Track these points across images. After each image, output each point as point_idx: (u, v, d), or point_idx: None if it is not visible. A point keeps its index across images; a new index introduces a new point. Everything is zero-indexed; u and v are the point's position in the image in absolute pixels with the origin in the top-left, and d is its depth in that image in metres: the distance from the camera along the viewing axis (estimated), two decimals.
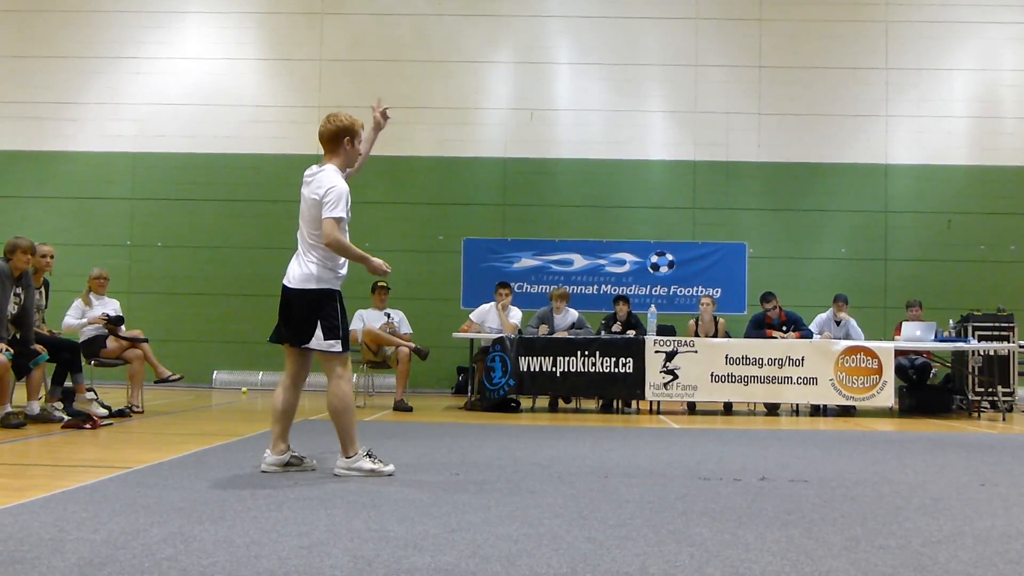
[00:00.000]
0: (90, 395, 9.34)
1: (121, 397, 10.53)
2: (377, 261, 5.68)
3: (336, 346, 5.60)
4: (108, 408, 9.43)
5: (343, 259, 5.68)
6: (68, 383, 9.33)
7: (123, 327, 10.64)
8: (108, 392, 10.97)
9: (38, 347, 8.80)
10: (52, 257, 9.64)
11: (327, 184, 5.58)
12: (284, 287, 5.70)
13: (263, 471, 5.71)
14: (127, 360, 10.43)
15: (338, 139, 5.79)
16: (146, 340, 10.64)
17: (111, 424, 8.84)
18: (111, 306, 10.82)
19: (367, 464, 5.62)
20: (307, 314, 5.59)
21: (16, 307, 8.69)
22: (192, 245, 16.32)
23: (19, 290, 8.72)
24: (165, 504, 4.49)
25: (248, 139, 16.35)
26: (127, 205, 16.42)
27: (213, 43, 16.60)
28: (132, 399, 10.23)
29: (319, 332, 5.57)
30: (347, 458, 5.64)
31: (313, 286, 5.59)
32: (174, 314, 16.00)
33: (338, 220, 5.50)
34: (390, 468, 5.68)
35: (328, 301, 5.60)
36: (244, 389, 15.23)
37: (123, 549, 3.51)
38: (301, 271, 5.63)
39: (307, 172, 5.82)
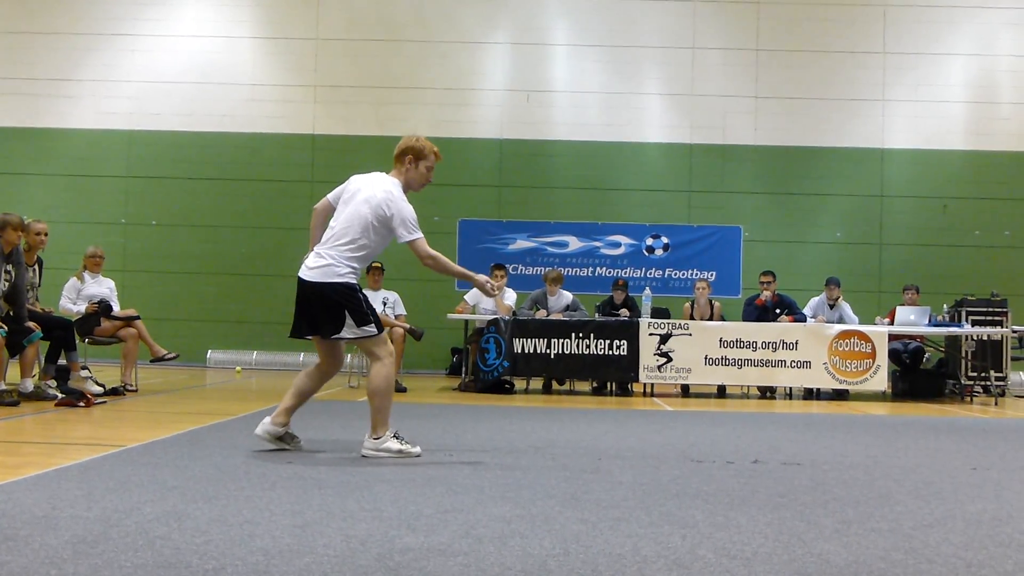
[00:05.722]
0: (84, 373, 9.33)
1: (115, 375, 10.52)
2: (482, 278, 5.89)
3: (371, 329, 5.61)
4: (102, 386, 9.43)
5: (364, 259, 5.70)
6: (62, 361, 9.31)
7: (115, 308, 10.60)
8: (102, 370, 10.96)
9: (32, 325, 8.77)
10: (46, 235, 9.61)
11: (395, 202, 5.65)
12: (301, 280, 5.68)
13: (256, 434, 5.73)
14: (121, 339, 10.39)
15: (402, 157, 5.87)
16: (139, 318, 10.59)
17: (105, 402, 8.82)
18: (106, 285, 10.78)
19: (395, 445, 5.63)
20: (332, 306, 5.59)
21: (7, 284, 8.66)
22: (187, 224, 16.28)
23: (10, 267, 8.69)
24: (159, 482, 4.50)
25: (243, 118, 16.30)
26: (122, 183, 16.38)
27: (209, 21, 16.52)
28: (126, 377, 10.20)
29: (350, 320, 5.57)
30: (375, 439, 5.64)
31: (332, 280, 5.58)
32: (168, 293, 15.97)
33: (421, 239, 5.67)
34: (417, 449, 5.68)
35: (351, 292, 5.60)
36: (238, 368, 15.23)
37: (116, 527, 3.52)
38: (320, 264, 5.62)
39: (365, 176, 5.86)
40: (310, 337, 5.83)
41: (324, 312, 5.62)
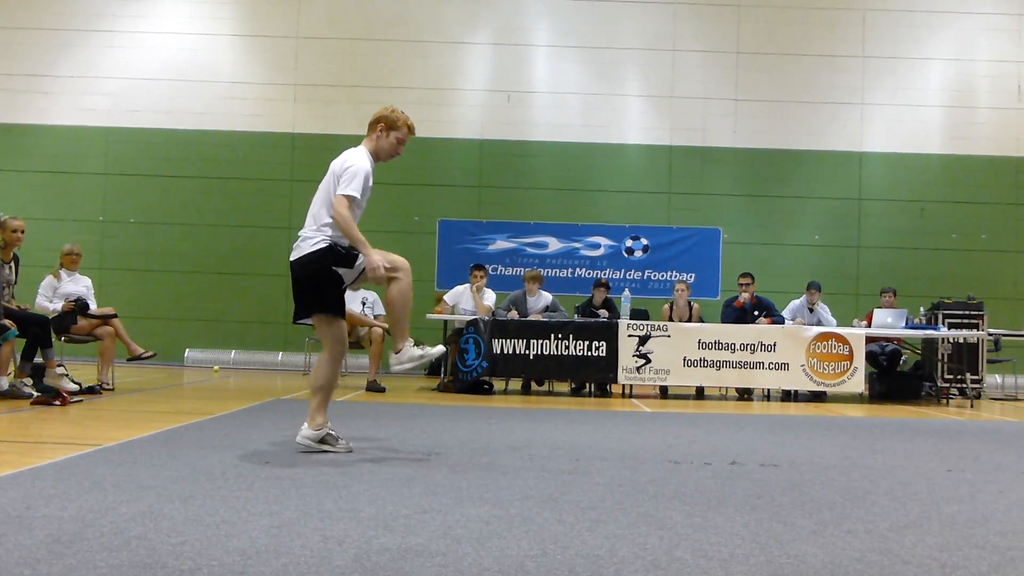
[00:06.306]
0: (60, 371, 9.27)
1: (91, 374, 10.45)
2: (375, 259, 5.52)
3: (366, 254, 5.54)
4: (78, 384, 9.36)
5: (335, 226, 5.67)
6: (38, 359, 9.24)
7: (92, 307, 10.52)
8: (78, 369, 10.89)
9: (7, 322, 8.71)
10: (23, 231, 9.54)
11: (349, 161, 5.67)
12: (290, 264, 5.76)
13: (297, 442, 5.70)
14: (98, 337, 10.33)
15: (374, 125, 5.90)
16: (116, 316, 10.53)
17: (81, 401, 8.77)
18: (83, 283, 10.72)
19: (416, 352, 5.68)
20: (320, 272, 5.61)
21: None
22: (165, 222, 16.21)
23: None
24: (135, 482, 4.47)
25: (223, 116, 16.24)
26: (100, 180, 16.29)
27: (189, 18, 16.46)
28: (102, 376, 10.15)
29: (343, 271, 5.62)
30: (397, 353, 5.70)
31: (309, 251, 5.62)
32: (146, 291, 15.90)
33: (349, 198, 5.54)
34: (438, 349, 5.78)
35: (328, 251, 5.59)
36: (216, 367, 15.17)
37: (91, 527, 3.49)
38: (297, 243, 5.71)
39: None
40: (309, 322, 5.84)
41: (319, 281, 5.65)
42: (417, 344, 5.73)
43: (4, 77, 16.32)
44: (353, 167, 5.61)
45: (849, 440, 7.45)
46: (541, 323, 11.83)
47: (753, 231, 16.23)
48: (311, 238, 5.65)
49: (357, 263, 5.60)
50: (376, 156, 5.86)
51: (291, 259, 5.75)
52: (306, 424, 5.78)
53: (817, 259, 16.07)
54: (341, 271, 5.61)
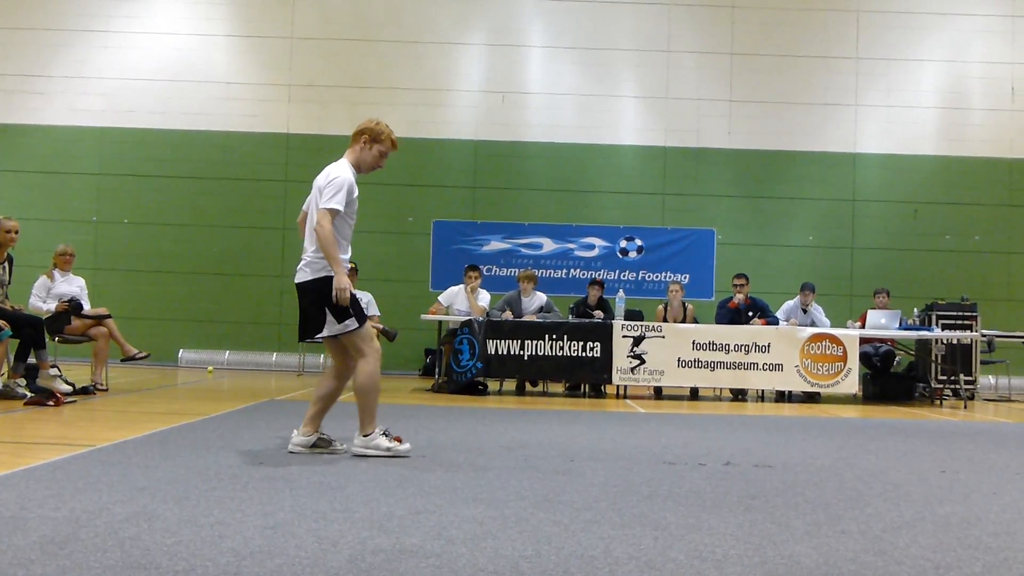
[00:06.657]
0: (54, 372, 9.25)
1: (85, 374, 10.43)
2: (343, 281, 5.49)
3: (352, 324, 5.61)
4: (72, 385, 9.34)
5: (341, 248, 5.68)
6: (31, 360, 9.22)
7: (85, 307, 10.51)
8: (72, 369, 10.87)
9: (1, 323, 8.69)
10: (16, 232, 9.51)
11: (332, 174, 5.67)
12: (296, 284, 5.78)
13: (289, 451, 5.71)
14: (92, 337, 10.30)
15: (358, 136, 5.88)
16: (109, 316, 10.51)
17: (75, 402, 8.75)
18: (76, 283, 10.69)
19: (384, 442, 5.67)
20: (314, 304, 5.64)
21: None
22: (159, 222, 16.17)
23: None
24: (129, 483, 4.46)
25: (217, 116, 16.22)
26: (94, 180, 16.25)
27: (183, 18, 16.43)
28: (96, 377, 10.12)
29: (330, 318, 5.60)
30: (364, 436, 5.68)
31: (310, 277, 5.65)
32: (140, 292, 15.87)
33: (332, 211, 5.54)
34: (406, 446, 5.71)
35: (329, 287, 5.56)
36: (210, 368, 15.13)
37: (85, 527, 3.49)
38: (302, 264, 5.72)
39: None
40: (319, 339, 5.87)
41: (310, 312, 5.69)
42: (386, 435, 5.70)
43: None
44: (337, 179, 5.60)
45: (843, 441, 7.46)
46: (535, 324, 11.83)
47: (747, 232, 16.24)
48: (314, 263, 5.64)
49: (346, 322, 5.59)
50: (358, 168, 5.84)
51: (296, 281, 5.75)
52: (296, 431, 5.82)
53: (811, 260, 16.09)
54: (329, 316, 5.60)
